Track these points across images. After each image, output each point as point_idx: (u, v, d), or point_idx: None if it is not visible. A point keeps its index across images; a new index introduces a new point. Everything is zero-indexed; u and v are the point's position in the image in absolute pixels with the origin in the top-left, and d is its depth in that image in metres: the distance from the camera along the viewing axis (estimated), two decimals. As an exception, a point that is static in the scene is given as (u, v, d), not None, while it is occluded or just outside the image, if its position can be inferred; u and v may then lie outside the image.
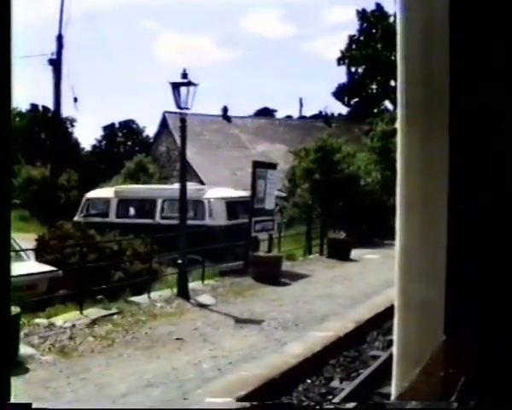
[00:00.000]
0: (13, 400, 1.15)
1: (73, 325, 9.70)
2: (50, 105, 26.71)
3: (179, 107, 12.46)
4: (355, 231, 19.68)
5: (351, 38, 46.20)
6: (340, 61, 46.26)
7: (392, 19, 40.57)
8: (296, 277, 14.87)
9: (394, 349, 1.96)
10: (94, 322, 9.95)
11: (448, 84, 1.80)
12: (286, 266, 15.76)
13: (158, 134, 38.63)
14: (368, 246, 19.87)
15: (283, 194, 25.94)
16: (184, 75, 12.37)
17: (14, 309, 7.54)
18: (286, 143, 35.38)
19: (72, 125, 43.83)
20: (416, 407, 1.19)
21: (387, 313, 9.70)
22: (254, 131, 39.21)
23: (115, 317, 10.37)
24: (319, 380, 8.12)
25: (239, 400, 6.62)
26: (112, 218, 17.39)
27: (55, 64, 23.20)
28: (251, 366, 8.01)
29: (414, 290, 1.88)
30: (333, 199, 22.06)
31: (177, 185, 13.66)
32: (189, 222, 13.34)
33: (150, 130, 47.20)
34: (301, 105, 48.04)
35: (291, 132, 39.16)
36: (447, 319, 1.79)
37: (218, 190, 17.49)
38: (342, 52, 46.14)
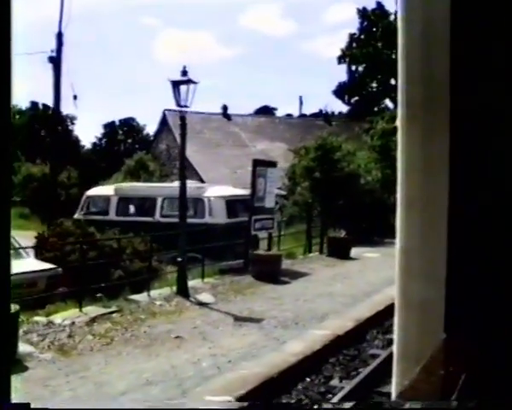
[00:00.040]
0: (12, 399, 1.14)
1: (73, 323, 9.69)
2: (50, 103, 26.73)
3: (179, 105, 12.45)
4: (355, 230, 19.66)
5: (351, 36, 46.16)
6: (340, 59, 46.22)
7: (392, 17, 40.58)
8: (296, 275, 14.86)
9: (394, 348, 1.96)
10: (93, 320, 9.94)
11: (448, 83, 1.80)
12: (286, 264, 15.77)
13: (158, 132, 38.59)
14: (368, 244, 19.89)
15: (283, 192, 25.94)
16: (184, 73, 12.36)
17: (14, 307, 7.52)
18: (286, 142, 35.36)
19: (73, 123, 43.95)
20: (416, 406, 1.18)
21: (387, 311, 9.72)
22: (254, 130, 39.20)
23: (114, 315, 10.36)
24: (319, 379, 8.12)
25: (238, 398, 6.62)
26: (112, 216, 17.39)
27: (55, 62, 23.18)
28: (250, 364, 8.00)
29: (414, 290, 1.89)
30: (333, 197, 22.06)
31: (177, 183, 13.65)
32: (189, 220, 13.33)
33: (150, 128, 47.38)
34: (301, 103, 48.14)
35: (291, 131, 39.14)
36: (447, 319, 1.79)
37: (218, 189, 17.47)
38: (343, 50, 46.11)
